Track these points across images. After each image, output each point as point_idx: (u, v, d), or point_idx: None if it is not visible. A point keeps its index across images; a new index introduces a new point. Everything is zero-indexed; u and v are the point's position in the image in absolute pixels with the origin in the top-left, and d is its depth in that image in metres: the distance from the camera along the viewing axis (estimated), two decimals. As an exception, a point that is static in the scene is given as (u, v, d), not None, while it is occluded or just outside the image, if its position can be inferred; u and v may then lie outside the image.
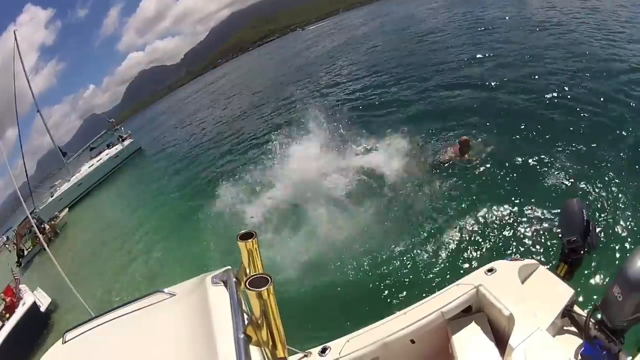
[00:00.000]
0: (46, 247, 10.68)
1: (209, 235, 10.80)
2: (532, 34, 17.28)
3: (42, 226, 26.91)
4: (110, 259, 14.74)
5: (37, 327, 12.51)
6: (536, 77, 12.18)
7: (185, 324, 1.93)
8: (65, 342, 2.22)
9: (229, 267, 2.19)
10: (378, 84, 18.39)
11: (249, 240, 1.96)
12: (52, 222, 27.78)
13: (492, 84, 12.84)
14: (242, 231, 2.01)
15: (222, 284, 2.05)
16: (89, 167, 36.42)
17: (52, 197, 33.13)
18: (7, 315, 12.94)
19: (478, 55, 16.28)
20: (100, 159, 37.36)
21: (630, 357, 2.25)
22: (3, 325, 12.57)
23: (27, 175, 32.66)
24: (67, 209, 30.54)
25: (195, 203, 14.49)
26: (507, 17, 21.84)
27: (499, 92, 12.19)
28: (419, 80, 16.37)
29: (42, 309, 13.21)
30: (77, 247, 21.57)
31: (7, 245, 26.67)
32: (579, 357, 2.26)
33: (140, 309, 2.26)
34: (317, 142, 11.23)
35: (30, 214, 30.21)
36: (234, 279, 1.99)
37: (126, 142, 38.98)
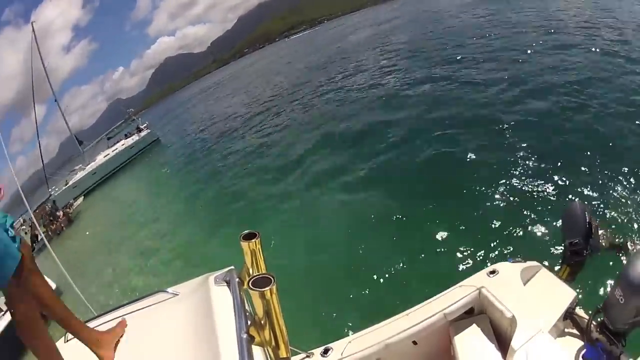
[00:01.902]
0: (47, 244, 10.10)
1: (219, 233, 10.81)
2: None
3: (57, 213, 27.20)
4: (120, 250, 14.72)
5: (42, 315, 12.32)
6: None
7: (188, 324, 1.92)
8: (67, 340, 2.21)
9: (232, 267, 2.17)
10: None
11: (252, 240, 1.89)
12: (66, 210, 27.77)
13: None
14: (246, 231, 1.92)
15: (225, 283, 2.05)
16: (105, 157, 36.39)
17: (66, 184, 33.13)
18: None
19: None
20: (116, 148, 37.35)
21: None
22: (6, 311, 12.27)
23: (42, 162, 33.05)
24: (82, 197, 30.54)
25: (207, 198, 14.64)
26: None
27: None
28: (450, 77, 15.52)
29: None
30: (90, 235, 21.76)
31: (23, 227, 27.02)
32: (581, 359, 2.24)
33: (143, 308, 2.27)
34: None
35: (45, 200, 31.24)
36: (237, 279, 1.99)
37: (143, 133, 38.79)
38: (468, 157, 9.05)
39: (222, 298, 1.93)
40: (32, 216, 14.62)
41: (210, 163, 19.72)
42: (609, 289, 2.51)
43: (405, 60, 22.24)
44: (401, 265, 6.53)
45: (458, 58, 17.91)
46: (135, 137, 38.34)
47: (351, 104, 18.00)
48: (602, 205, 6.15)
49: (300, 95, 25.14)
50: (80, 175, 34.33)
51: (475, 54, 17.76)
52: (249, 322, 1.63)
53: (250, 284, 1.45)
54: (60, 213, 27.36)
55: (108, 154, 36.71)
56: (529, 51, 15.21)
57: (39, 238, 24.84)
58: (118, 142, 39.83)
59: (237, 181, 14.88)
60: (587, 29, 15.84)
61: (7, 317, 11.78)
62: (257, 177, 14.09)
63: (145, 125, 40.72)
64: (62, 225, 26.43)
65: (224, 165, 18.06)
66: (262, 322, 1.53)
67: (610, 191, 6.40)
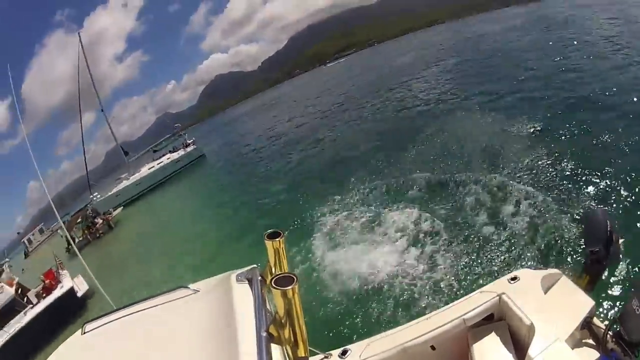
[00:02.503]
0: (76, 251, 11.11)
1: (254, 251, 10.52)
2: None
3: (96, 219, 28.19)
4: (153, 262, 15.05)
5: (71, 310, 13.38)
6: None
7: (208, 320, 1.91)
8: (84, 332, 2.22)
9: (255, 265, 2.19)
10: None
11: (276, 239, 1.97)
12: (106, 217, 28.56)
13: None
14: (270, 230, 1.99)
15: (247, 282, 2.04)
16: (149, 169, 36.97)
17: (110, 192, 33.57)
18: (44, 295, 14.06)
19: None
20: (162, 162, 37.82)
21: None
22: (38, 302, 13.72)
23: (87, 170, 33.85)
24: (121, 206, 31.20)
25: (247, 216, 14.74)
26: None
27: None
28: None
29: (79, 294, 14.07)
30: (126, 244, 22.47)
31: (59, 232, 27.84)
32: None
33: (163, 304, 2.25)
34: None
35: (87, 205, 32.00)
36: (259, 278, 2.00)
37: (189, 148, 39.08)
38: (493, 164, 9.34)
39: (243, 296, 1.90)
40: (62, 224, 14.88)
41: (253, 181, 19.88)
42: (627, 299, 2.17)
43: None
44: (422, 270, 6.60)
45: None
46: (181, 152, 38.67)
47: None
48: (624, 213, 6.13)
49: (343, 117, 25.33)
50: (123, 184, 35.30)
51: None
52: (269, 321, 1.60)
53: (272, 283, 1.46)
54: (100, 220, 28.33)
55: (153, 167, 37.29)
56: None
57: (75, 241, 25.82)
58: (164, 155, 40.43)
59: (275, 200, 14.86)
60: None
61: (36, 310, 13.22)
62: (292, 193, 14.40)
63: (192, 140, 41.06)
64: (101, 231, 27.50)
65: (267, 183, 17.95)
66: (283, 320, 1.53)
67: (634, 199, 6.36)
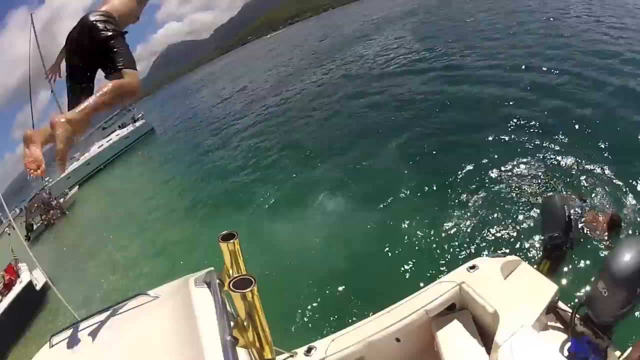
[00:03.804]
0: (26, 247, 10.34)
1: (206, 227, 10.78)
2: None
3: (53, 202, 27.22)
4: (110, 241, 14.81)
5: (32, 305, 13.01)
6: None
7: (171, 327, 1.87)
8: (52, 346, 2.16)
9: (212, 268, 2.16)
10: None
11: (231, 240, 1.93)
12: (60, 200, 27.69)
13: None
14: (224, 232, 1.96)
15: (206, 285, 2.01)
16: (98, 147, 35.99)
17: (61, 175, 32.81)
18: (6, 292, 13.50)
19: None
20: (111, 139, 36.94)
21: (619, 353, 2.28)
22: (1, 301, 13.09)
23: None
24: (77, 186, 30.24)
25: (197, 189, 14.63)
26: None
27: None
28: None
29: (37, 287, 13.59)
30: (83, 226, 21.93)
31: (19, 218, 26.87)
32: (566, 352, 2.27)
33: (126, 311, 2.19)
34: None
35: (41, 189, 31.07)
36: (217, 281, 1.95)
37: (138, 123, 38.34)
38: (446, 150, 8.98)
39: (203, 300, 1.89)
40: (11, 219, 14.55)
41: (203, 155, 19.42)
42: (591, 282, 2.49)
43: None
44: (381, 261, 6.45)
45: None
46: (130, 128, 37.88)
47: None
48: (582, 197, 5.93)
49: (293, 84, 24.81)
50: (74, 165, 34.00)
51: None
52: (232, 324, 1.58)
53: (231, 286, 1.45)
54: (55, 202, 27.29)
55: (102, 145, 36.30)
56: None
57: (34, 227, 25.09)
58: (113, 132, 39.42)
59: (225, 174, 14.61)
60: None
61: (9, 297, 12.77)
62: (240, 170, 14.06)
63: (141, 115, 40.25)
64: (55, 215, 26.30)
65: (216, 156, 17.81)
66: (245, 323, 1.53)
67: (592, 182, 6.25)
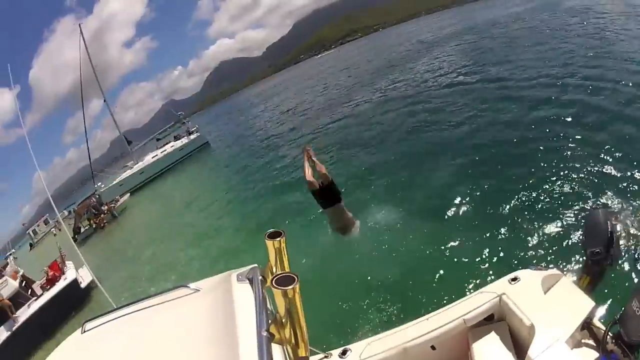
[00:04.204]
0: (75, 247, 11.75)
1: (255, 238, 10.24)
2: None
3: (102, 208, 28.22)
4: (159, 247, 15.03)
5: (74, 302, 13.32)
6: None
7: (208, 320, 1.90)
8: (84, 331, 2.20)
9: (255, 265, 2.17)
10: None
11: (277, 239, 1.95)
12: (112, 205, 28.55)
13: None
14: (271, 230, 1.98)
15: (248, 281, 2.03)
16: (153, 157, 36.82)
17: (113, 181, 33.75)
18: (48, 287, 13.85)
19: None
20: (165, 150, 37.68)
21: None
22: (42, 295, 13.51)
23: (90, 160, 33.84)
24: (128, 193, 31.05)
25: (250, 205, 14.42)
26: None
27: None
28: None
29: (82, 285, 13.90)
30: (131, 231, 22.33)
31: (61, 222, 28.09)
32: None
33: (163, 303, 2.22)
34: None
35: (92, 194, 32.15)
36: (260, 277, 1.98)
37: (193, 136, 38.87)
38: (493, 162, 9.04)
39: (243, 295, 1.89)
40: (60, 219, 14.76)
41: (257, 169, 19.23)
42: (626, 300, 2.21)
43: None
44: (422, 270, 6.42)
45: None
46: (184, 140, 38.47)
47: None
48: (625, 214, 5.91)
49: (350, 101, 24.71)
50: (127, 173, 35.13)
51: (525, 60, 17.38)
52: (269, 320, 1.60)
53: (273, 283, 1.46)
54: (105, 208, 28.29)
55: (156, 155, 37.12)
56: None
57: (82, 230, 25.86)
58: (167, 143, 40.29)
59: (279, 188, 14.45)
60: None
61: (40, 302, 12.95)
62: (292, 186, 13.68)
63: (195, 128, 40.86)
64: (105, 220, 27.34)
65: (269, 170, 17.66)
66: (283, 320, 1.53)
67: (635, 200, 6.11)
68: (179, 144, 38.16)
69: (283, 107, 39.45)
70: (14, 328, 12.12)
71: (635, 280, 4.67)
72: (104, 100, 36.55)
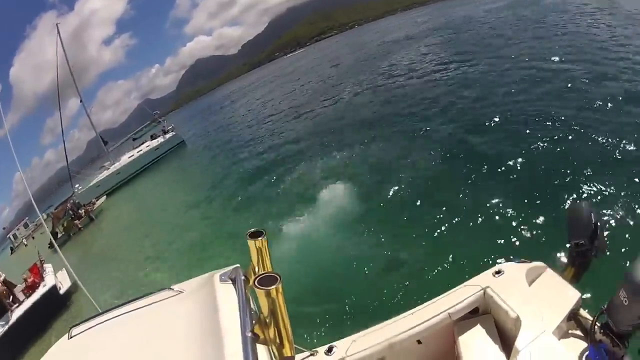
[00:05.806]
0: (58, 249, 10.05)
1: (234, 235, 10.74)
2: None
3: (79, 211, 27.83)
4: (137, 250, 14.92)
5: (54, 308, 13.15)
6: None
7: (193, 322, 1.90)
8: (71, 337, 2.21)
9: (238, 265, 2.17)
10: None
11: (259, 238, 1.98)
12: (88, 208, 28.34)
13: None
14: (252, 229, 2.01)
15: (230, 281, 2.04)
16: (129, 157, 36.74)
17: (90, 183, 33.57)
18: (28, 293, 13.65)
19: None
20: (141, 150, 37.62)
21: None
22: (23, 301, 13.22)
23: (67, 162, 33.50)
24: (104, 196, 30.94)
25: (226, 201, 14.78)
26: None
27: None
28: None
29: (62, 291, 13.69)
30: (108, 234, 22.39)
31: (43, 225, 27.91)
32: None
33: (148, 305, 2.24)
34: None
35: (69, 198, 31.88)
36: (243, 277, 1.99)
37: (168, 135, 38.94)
38: (475, 153, 9.13)
39: (227, 296, 1.91)
40: (42, 222, 14.58)
41: (232, 167, 19.62)
42: (614, 290, 2.30)
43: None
44: (406, 264, 6.53)
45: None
46: (160, 139, 38.48)
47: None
48: (608, 206, 6.03)
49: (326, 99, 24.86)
50: (104, 174, 34.89)
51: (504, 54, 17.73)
52: (253, 321, 1.61)
53: (256, 283, 1.46)
54: (82, 211, 27.95)
55: (133, 155, 37.01)
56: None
57: (59, 235, 25.69)
58: (143, 143, 40.17)
59: (253, 185, 14.93)
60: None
61: (20, 310, 12.61)
62: (266, 180, 14.43)
63: (171, 127, 40.87)
64: (82, 224, 27.05)
65: (245, 169, 18.03)
66: (267, 320, 1.53)
67: (618, 191, 6.28)
68: (154, 143, 38.18)
69: (257, 105, 39.78)
70: None
71: (621, 271, 4.83)
72: (80, 101, 36.30)
